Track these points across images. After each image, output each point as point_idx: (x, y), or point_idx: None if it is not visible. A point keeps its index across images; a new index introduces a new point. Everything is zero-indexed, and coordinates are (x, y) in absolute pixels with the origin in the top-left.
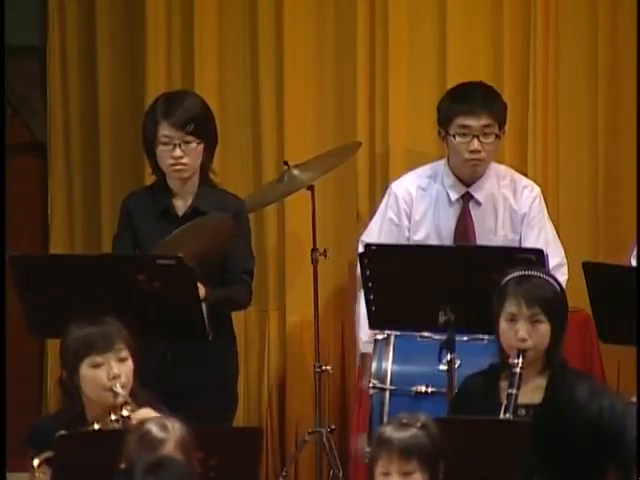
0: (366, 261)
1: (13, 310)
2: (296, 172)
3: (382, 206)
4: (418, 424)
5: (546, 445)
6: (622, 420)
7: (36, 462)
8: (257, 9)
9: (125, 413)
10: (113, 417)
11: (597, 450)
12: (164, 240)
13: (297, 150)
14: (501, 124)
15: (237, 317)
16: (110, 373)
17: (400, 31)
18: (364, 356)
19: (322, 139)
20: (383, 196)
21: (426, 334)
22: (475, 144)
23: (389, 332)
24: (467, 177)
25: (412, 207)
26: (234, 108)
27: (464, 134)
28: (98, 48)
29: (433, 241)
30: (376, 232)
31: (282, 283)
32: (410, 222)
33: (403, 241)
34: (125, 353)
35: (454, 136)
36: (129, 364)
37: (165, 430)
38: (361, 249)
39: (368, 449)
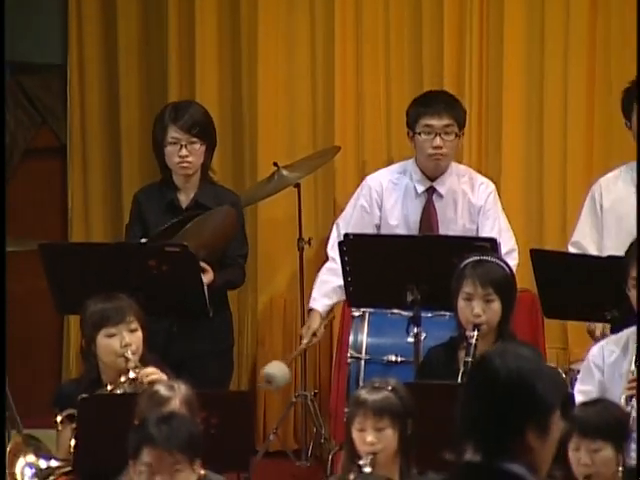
0: (344, 248)
1: (36, 290)
2: (285, 172)
3: (356, 195)
4: (389, 387)
5: (470, 408)
6: (531, 379)
7: (59, 418)
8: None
9: (132, 375)
10: (122, 379)
11: (512, 410)
12: (180, 232)
13: (279, 153)
14: (460, 125)
15: (230, 295)
16: (122, 342)
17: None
18: (310, 311)
19: (301, 143)
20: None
21: (396, 311)
22: (437, 141)
23: (364, 309)
24: (431, 172)
25: (383, 197)
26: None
27: (428, 132)
28: (119, 63)
29: (402, 228)
30: (349, 217)
31: (270, 268)
32: (381, 211)
33: (371, 227)
34: (135, 325)
35: (420, 134)
36: (139, 334)
37: (171, 390)
38: (334, 230)
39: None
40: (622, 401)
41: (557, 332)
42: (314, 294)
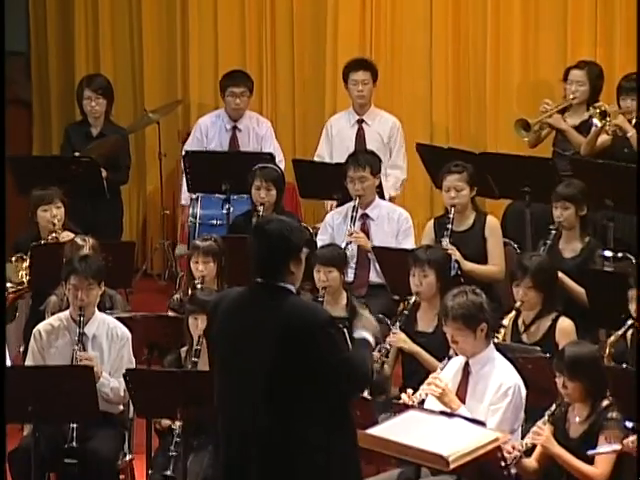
0: (187, 159)
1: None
2: (151, 115)
3: (193, 131)
4: (213, 239)
5: (256, 253)
6: (287, 232)
7: (14, 258)
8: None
9: (54, 235)
10: (50, 237)
11: (279, 251)
12: (87, 147)
13: (150, 102)
14: (251, 91)
15: (130, 187)
16: (51, 214)
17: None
18: (183, 207)
19: (161, 97)
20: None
21: (217, 195)
22: (237, 101)
23: (198, 194)
24: (234, 117)
25: (208, 131)
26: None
27: (232, 95)
28: (48, 51)
29: (218, 149)
30: (190, 143)
31: (150, 169)
32: (207, 139)
33: (202, 148)
34: (60, 204)
35: (227, 96)
36: (62, 210)
37: (84, 241)
38: (184, 153)
39: (185, 252)
40: (343, 245)
41: (310, 207)
42: (183, 196)
